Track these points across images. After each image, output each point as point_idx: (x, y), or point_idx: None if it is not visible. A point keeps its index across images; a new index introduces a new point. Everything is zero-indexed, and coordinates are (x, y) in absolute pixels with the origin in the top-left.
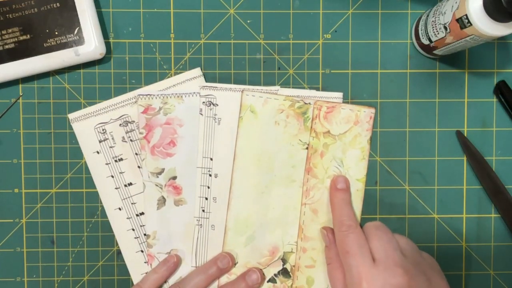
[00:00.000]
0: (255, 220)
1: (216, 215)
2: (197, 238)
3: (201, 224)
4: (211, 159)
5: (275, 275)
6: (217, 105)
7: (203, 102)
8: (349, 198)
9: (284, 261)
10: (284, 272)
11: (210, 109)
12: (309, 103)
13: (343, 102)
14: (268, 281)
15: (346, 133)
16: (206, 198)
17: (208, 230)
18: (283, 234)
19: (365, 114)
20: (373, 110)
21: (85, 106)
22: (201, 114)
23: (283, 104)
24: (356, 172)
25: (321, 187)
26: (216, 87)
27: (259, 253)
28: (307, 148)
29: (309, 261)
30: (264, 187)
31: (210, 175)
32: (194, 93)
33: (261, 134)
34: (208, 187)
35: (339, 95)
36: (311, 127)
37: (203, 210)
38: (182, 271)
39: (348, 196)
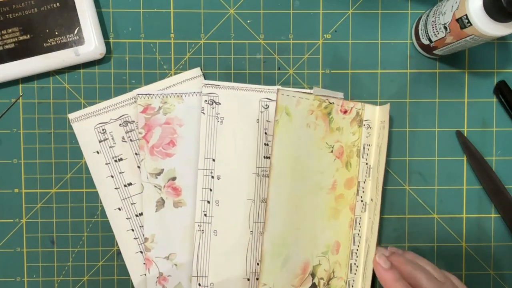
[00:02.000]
0: (290, 237)
1: (219, 220)
2: (199, 244)
3: (203, 230)
4: (213, 160)
5: None
6: (220, 103)
7: (205, 101)
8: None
9: (313, 276)
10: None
11: (213, 108)
12: (333, 103)
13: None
14: None
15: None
16: (208, 202)
17: (210, 236)
18: (313, 247)
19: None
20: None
21: (85, 106)
22: (203, 113)
23: (313, 104)
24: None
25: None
26: (219, 85)
27: (293, 274)
28: (332, 151)
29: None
30: (297, 198)
31: (212, 177)
32: (194, 92)
33: (295, 139)
34: (211, 190)
35: (339, 95)
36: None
37: (205, 215)
38: (182, 278)
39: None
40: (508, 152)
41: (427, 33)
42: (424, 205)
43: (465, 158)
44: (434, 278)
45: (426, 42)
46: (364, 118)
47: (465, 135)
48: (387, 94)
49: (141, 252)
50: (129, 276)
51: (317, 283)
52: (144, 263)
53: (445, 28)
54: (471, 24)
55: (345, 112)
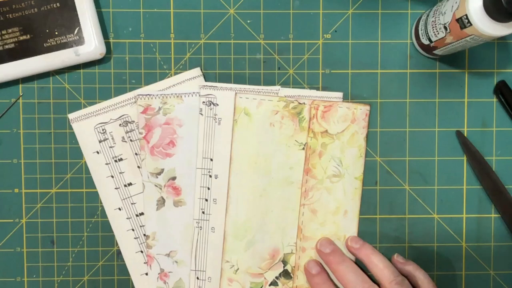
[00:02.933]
0: (254, 223)
1: (217, 217)
2: (197, 240)
3: (200, 227)
4: (211, 159)
5: (276, 277)
6: (217, 105)
7: (203, 102)
8: (349, 260)
9: (284, 262)
10: (285, 274)
11: (210, 109)
12: (304, 103)
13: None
14: (270, 285)
15: (344, 132)
16: (206, 200)
17: (208, 233)
18: (283, 236)
19: (361, 111)
20: (368, 107)
21: (85, 106)
22: (201, 114)
23: (277, 105)
24: (354, 171)
25: (320, 187)
26: (216, 86)
27: (259, 258)
28: (303, 149)
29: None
30: (262, 190)
31: (210, 176)
32: (194, 93)
33: (256, 136)
34: (208, 188)
35: (339, 95)
36: (309, 127)
37: (203, 212)
38: (182, 274)
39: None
40: (508, 152)
41: (427, 33)
42: (424, 205)
43: (465, 158)
44: (363, 280)
45: (426, 42)
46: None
47: (465, 135)
48: (387, 94)
49: (141, 251)
50: (129, 276)
51: (290, 271)
52: (145, 262)
53: (445, 28)
54: (471, 24)
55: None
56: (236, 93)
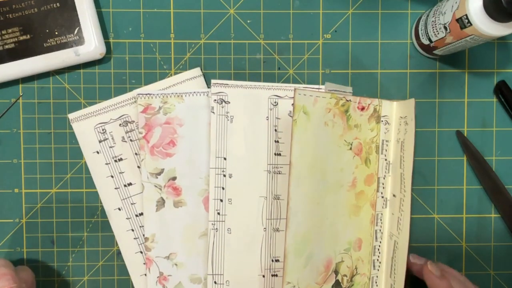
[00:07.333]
0: (313, 235)
1: (233, 218)
2: (213, 243)
3: (216, 228)
4: (225, 158)
5: None
6: (229, 102)
7: (215, 100)
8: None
9: (336, 273)
10: (337, 285)
11: (222, 107)
12: (350, 100)
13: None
14: None
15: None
16: (221, 200)
17: (224, 234)
18: (335, 244)
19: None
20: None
21: (85, 106)
22: (213, 112)
23: (330, 102)
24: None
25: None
26: (227, 84)
27: (316, 272)
28: (351, 149)
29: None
30: (319, 196)
31: (224, 176)
32: (194, 92)
33: (314, 137)
34: (223, 188)
35: (349, 89)
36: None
37: (218, 213)
38: (182, 278)
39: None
40: (508, 152)
41: (427, 33)
42: (424, 205)
43: (465, 158)
44: None
45: (426, 42)
46: (382, 114)
47: (465, 135)
48: (387, 94)
49: (141, 252)
50: (129, 276)
51: (340, 280)
52: (145, 263)
53: (445, 28)
54: (471, 24)
55: (362, 109)
56: (295, 89)
